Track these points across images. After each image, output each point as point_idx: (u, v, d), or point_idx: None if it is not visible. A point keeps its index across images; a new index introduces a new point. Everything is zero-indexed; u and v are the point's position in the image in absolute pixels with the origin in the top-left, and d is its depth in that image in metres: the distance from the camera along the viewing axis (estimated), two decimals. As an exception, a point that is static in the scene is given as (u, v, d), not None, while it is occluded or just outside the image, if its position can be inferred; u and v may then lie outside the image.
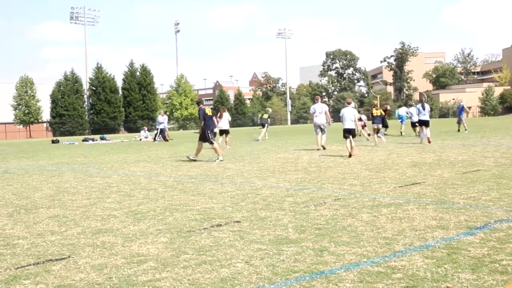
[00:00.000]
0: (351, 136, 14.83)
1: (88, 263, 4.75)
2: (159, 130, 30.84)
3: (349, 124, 15.10)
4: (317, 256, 4.66)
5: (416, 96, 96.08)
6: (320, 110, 17.91)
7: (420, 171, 10.51)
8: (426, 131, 18.74)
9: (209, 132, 15.10)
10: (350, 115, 15.23)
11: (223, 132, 21.41)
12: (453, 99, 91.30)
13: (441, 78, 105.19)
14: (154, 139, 30.89)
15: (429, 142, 18.31)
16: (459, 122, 27.31)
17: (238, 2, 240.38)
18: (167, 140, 30.08)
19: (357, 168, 11.55)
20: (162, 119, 30.90)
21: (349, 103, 16.00)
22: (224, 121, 21.30)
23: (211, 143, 15.02)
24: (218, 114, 21.38)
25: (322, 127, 17.81)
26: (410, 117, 25.50)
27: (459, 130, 26.86)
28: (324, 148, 17.60)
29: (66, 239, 5.74)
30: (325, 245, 5.02)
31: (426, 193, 7.84)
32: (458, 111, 27.71)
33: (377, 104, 21.47)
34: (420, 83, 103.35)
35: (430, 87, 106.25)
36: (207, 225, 6.17)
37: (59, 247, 5.41)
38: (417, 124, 21.88)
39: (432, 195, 7.60)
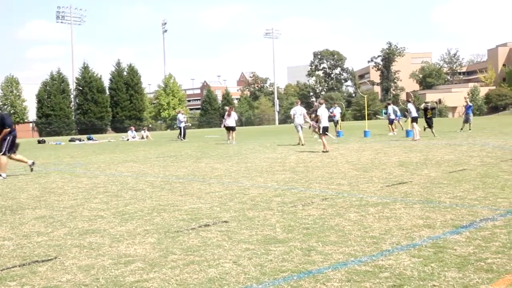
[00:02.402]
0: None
1: (75, 264, 4.71)
2: (183, 129, 30.76)
3: (326, 122, 17.05)
4: (304, 256, 4.67)
5: (403, 96, 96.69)
6: (300, 112, 20.82)
7: (407, 171, 10.58)
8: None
9: (10, 141, 12.42)
10: (326, 114, 17.34)
11: (230, 129, 23.82)
12: (440, 98, 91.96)
13: (428, 78, 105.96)
14: (182, 138, 30.42)
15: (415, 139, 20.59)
16: (466, 121, 27.43)
17: (226, 3, 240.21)
18: (184, 138, 30.17)
19: (344, 168, 11.59)
20: (183, 118, 31.10)
21: (321, 103, 17.91)
22: (231, 119, 23.77)
23: (4, 154, 12.30)
24: (227, 113, 24.05)
25: (300, 127, 20.59)
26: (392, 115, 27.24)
27: (463, 128, 26.99)
28: (303, 145, 19.87)
29: (53, 240, 5.69)
30: (313, 245, 5.03)
31: (413, 192, 7.89)
32: (466, 110, 27.85)
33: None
34: (407, 83, 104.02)
35: (416, 87, 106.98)
36: (195, 225, 6.16)
37: (45, 248, 5.37)
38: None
39: (418, 194, 7.65)
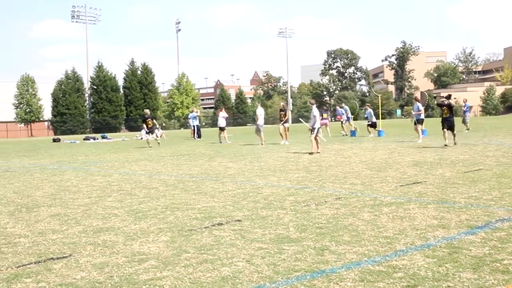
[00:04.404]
0: None
1: (89, 262, 4.75)
2: (196, 128, 30.69)
3: (319, 123, 16.64)
4: (318, 255, 4.66)
5: (417, 95, 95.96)
6: (263, 114, 22.68)
7: (421, 170, 10.50)
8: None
9: None
10: (319, 114, 16.87)
11: (219, 129, 25.50)
12: (455, 98, 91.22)
13: (443, 77, 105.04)
14: (198, 136, 30.42)
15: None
16: (464, 121, 27.18)
17: (240, 1, 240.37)
18: (200, 137, 30.09)
19: (358, 167, 11.54)
20: (196, 115, 31.26)
21: (312, 104, 17.36)
22: (219, 119, 25.67)
23: None
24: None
25: (262, 127, 22.02)
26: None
27: (468, 129, 26.73)
28: (262, 144, 21.07)
29: (67, 238, 5.75)
30: (326, 244, 5.02)
31: (427, 192, 7.83)
32: (466, 110, 27.56)
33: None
34: (421, 82, 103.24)
35: (431, 86, 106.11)
36: (208, 224, 6.18)
37: (60, 245, 5.42)
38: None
39: (433, 194, 7.59)
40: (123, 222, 6.51)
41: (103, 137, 38.54)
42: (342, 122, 28.07)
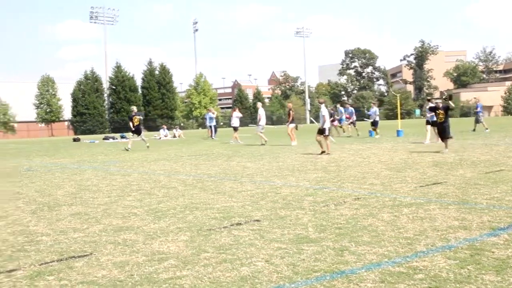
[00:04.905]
0: None
1: (110, 260, 4.80)
2: (214, 128, 30.80)
3: (329, 123, 16.39)
4: (337, 256, 4.64)
5: (437, 95, 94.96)
6: (264, 115, 22.82)
7: (441, 171, 10.39)
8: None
9: None
10: (328, 114, 16.45)
11: (234, 128, 25.81)
12: (474, 97, 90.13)
13: (462, 77, 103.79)
14: (212, 136, 30.57)
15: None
16: (477, 122, 26.86)
17: (257, 1, 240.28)
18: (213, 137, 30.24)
19: (377, 168, 11.46)
20: (213, 115, 31.51)
21: (321, 103, 17.00)
22: (233, 119, 26.24)
23: None
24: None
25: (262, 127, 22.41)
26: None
27: (474, 130, 26.40)
28: (263, 144, 21.43)
29: (88, 236, 5.81)
30: (346, 245, 4.99)
31: (448, 193, 7.74)
32: (479, 111, 27.24)
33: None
34: (441, 82, 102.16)
35: (451, 85, 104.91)
36: (227, 223, 6.19)
37: (81, 244, 5.48)
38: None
39: (454, 195, 7.50)
40: (143, 221, 6.56)
41: (122, 137, 38.87)
42: (353, 123, 27.76)
